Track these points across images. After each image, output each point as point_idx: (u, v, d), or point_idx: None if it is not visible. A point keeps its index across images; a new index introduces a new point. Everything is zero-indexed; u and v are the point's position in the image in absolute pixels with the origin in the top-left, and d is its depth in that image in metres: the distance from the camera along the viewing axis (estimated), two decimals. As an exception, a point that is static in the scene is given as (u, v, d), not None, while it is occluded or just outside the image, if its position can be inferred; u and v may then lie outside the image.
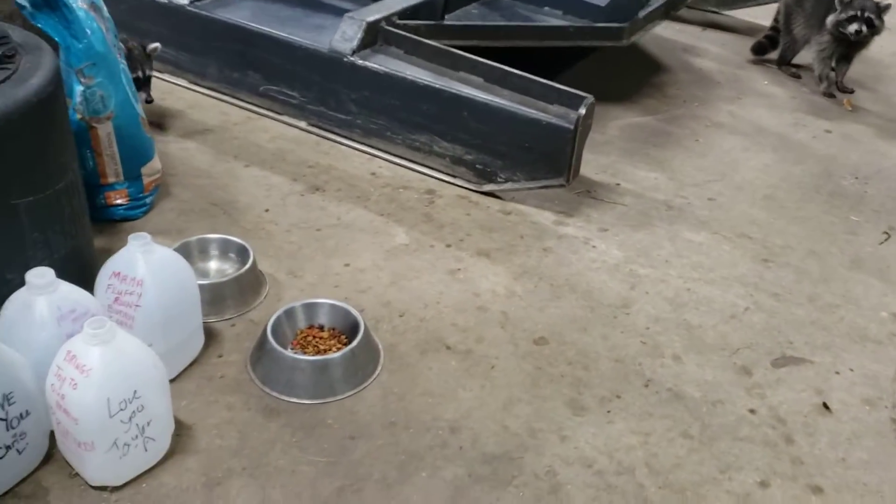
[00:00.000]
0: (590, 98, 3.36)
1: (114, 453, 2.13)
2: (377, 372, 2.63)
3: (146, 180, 3.24)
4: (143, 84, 3.55)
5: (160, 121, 3.89)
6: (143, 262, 2.42)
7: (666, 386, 2.66)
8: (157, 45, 3.66)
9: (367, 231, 3.31)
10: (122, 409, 2.09)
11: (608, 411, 2.55)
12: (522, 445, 2.42)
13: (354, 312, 2.71)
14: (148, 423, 2.18)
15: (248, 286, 2.90)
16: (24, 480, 2.20)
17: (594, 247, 3.30)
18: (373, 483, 2.27)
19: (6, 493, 2.16)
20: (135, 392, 2.11)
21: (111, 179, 3.12)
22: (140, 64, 3.53)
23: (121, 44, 3.03)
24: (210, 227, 3.19)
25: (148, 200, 3.28)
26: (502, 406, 2.54)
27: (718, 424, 2.53)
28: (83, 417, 2.06)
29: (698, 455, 2.42)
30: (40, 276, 2.22)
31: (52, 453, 2.27)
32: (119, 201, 3.17)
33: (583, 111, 3.33)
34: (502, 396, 2.58)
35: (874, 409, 2.61)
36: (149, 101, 3.59)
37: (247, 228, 3.25)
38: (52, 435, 2.24)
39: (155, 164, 3.28)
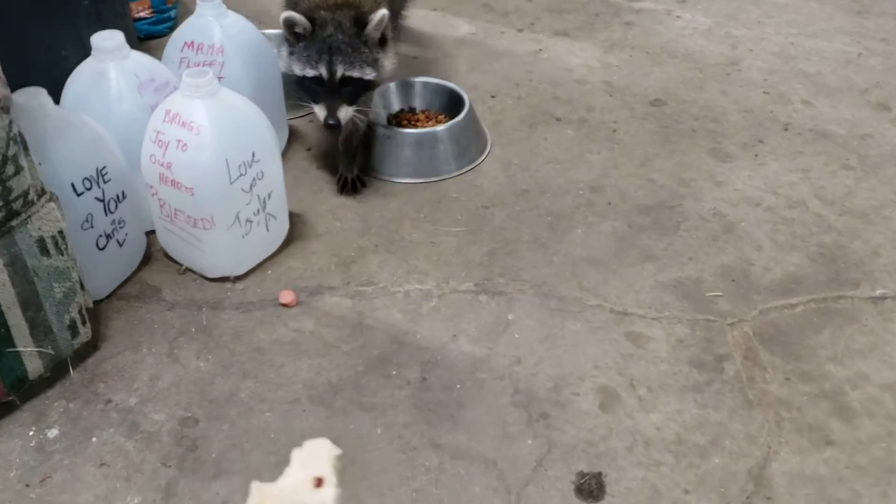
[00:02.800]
0: None
1: (236, 231, 1.80)
2: (488, 148, 2.32)
3: (168, -9, 2.82)
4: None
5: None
6: (218, 26, 2.04)
7: (807, 127, 2.40)
8: None
9: (426, 23, 2.95)
10: (241, 175, 1.75)
11: (755, 155, 2.29)
12: (676, 195, 2.15)
13: (452, 86, 2.38)
14: (269, 196, 1.84)
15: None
16: (127, 281, 1.86)
17: (678, 17, 3.00)
18: (525, 244, 1.98)
19: (111, 294, 1.82)
20: (253, 154, 1.76)
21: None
22: None
23: None
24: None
25: (171, 14, 2.86)
26: (640, 164, 2.26)
27: (876, 154, 2.29)
28: (200, 184, 1.71)
29: (867, 182, 2.18)
30: (109, 39, 1.83)
31: (149, 253, 1.94)
32: (142, 14, 2.75)
33: None
34: (636, 155, 2.29)
35: None
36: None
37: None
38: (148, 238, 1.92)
39: (176, -28, 2.86)
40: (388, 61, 2.05)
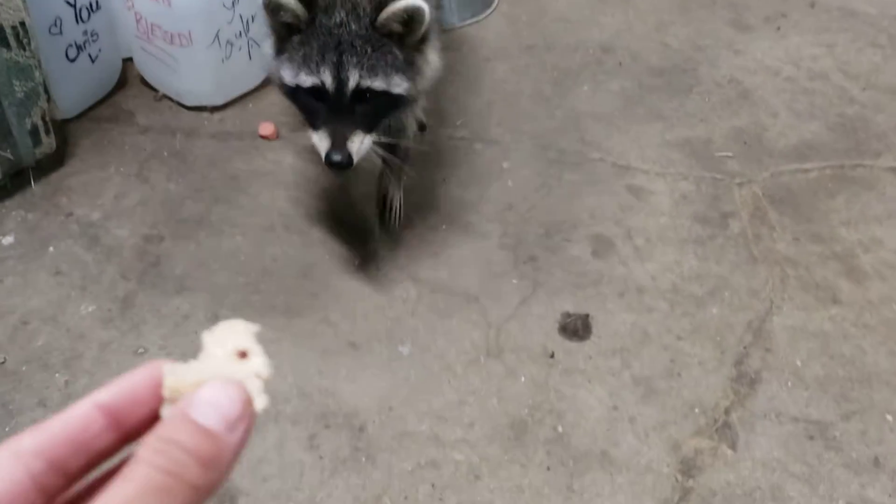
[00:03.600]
0: None
1: (215, 53, 1.67)
2: (495, 3, 2.17)
3: None
4: None
5: None
6: None
7: (834, 5, 2.24)
8: None
9: None
10: (223, -11, 1.63)
11: (777, 28, 2.14)
12: (691, 59, 2.01)
13: (461, -65, 2.22)
14: (252, 18, 1.71)
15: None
16: (100, 103, 1.75)
17: None
18: (526, 97, 1.86)
19: (82, 114, 1.70)
20: (237, -32, 1.64)
21: None
22: None
23: None
24: None
25: None
26: (655, 28, 2.12)
27: (908, 34, 2.15)
28: (178, -7, 1.59)
29: (895, 62, 2.05)
30: None
31: (125, 79, 1.81)
32: None
33: None
34: (651, 20, 2.15)
35: None
36: None
37: None
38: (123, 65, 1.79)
39: None
40: (429, 65, 1.38)
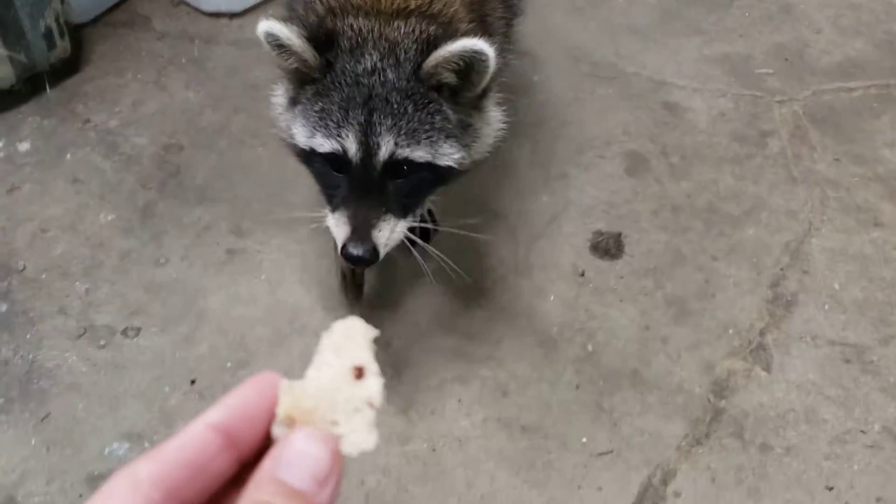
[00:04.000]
0: None
1: (235, -44, 1.61)
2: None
3: None
4: None
5: None
6: None
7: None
8: None
9: None
10: None
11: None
12: (732, -29, 1.92)
13: None
14: (273, -81, 1.64)
15: None
16: (115, 8, 1.68)
17: None
18: (559, 9, 1.77)
19: (97, 19, 1.64)
20: None
21: None
22: None
23: None
24: None
25: None
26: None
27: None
28: None
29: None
30: None
31: (141, -20, 1.75)
32: None
33: None
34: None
35: None
36: None
37: None
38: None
39: None
40: (490, 126, 1.08)
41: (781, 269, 1.31)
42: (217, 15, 1.68)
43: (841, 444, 1.11)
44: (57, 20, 1.46)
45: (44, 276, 1.23)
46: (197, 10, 1.69)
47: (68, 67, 1.52)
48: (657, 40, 1.72)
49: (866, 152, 1.51)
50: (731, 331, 1.23)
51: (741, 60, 1.68)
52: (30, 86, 1.47)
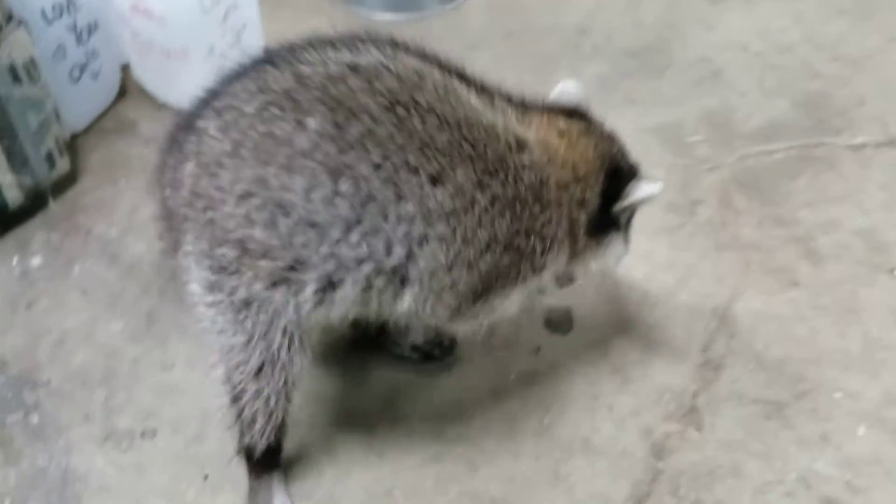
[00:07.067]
0: None
1: (210, 63, 1.75)
2: (474, -16, 2.24)
3: None
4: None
5: None
6: None
7: (804, -28, 2.33)
8: None
9: None
10: (215, 5, 1.70)
11: (749, -1, 2.23)
12: (664, 38, 2.10)
13: (438, -84, 2.26)
14: (243, 29, 1.79)
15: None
16: (103, 115, 1.84)
17: None
18: (510, 86, 1.96)
19: (88, 128, 1.81)
20: (226, -17, 1.71)
21: None
22: None
23: None
24: None
25: None
26: (628, 4, 2.19)
27: None
28: (172, 14, 1.66)
29: (861, 29, 2.12)
30: None
31: (125, 87, 1.91)
32: None
33: None
34: (624, -4, 2.23)
35: None
36: None
37: None
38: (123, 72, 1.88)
39: None
40: None
41: (710, 334, 1.51)
42: (198, 115, 1.84)
43: (762, 494, 1.31)
44: (56, 142, 1.62)
45: (67, 386, 1.40)
46: (178, 109, 1.85)
47: (67, 179, 1.69)
48: (597, 113, 1.90)
49: (785, 214, 1.71)
50: (667, 396, 1.42)
51: (673, 129, 1.87)
52: (35, 201, 1.64)
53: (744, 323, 1.52)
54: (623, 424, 1.38)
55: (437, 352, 1.46)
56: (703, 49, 2.07)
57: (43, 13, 1.61)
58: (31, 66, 1.52)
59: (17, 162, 1.55)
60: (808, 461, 1.34)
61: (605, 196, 1.25)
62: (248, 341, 1.12)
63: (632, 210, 1.32)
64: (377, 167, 1.05)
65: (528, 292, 1.25)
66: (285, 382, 1.15)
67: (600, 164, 1.27)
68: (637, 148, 1.57)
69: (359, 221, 1.05)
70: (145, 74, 1.84)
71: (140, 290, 1.53)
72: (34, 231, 1.62)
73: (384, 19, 2.13)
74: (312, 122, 1.04)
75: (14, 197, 1.58)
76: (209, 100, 1.15)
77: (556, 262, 1.24)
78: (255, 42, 1.84)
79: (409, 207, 1.06)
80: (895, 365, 1.46)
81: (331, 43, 1.12)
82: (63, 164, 1.65)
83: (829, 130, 1.87)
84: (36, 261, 1.57)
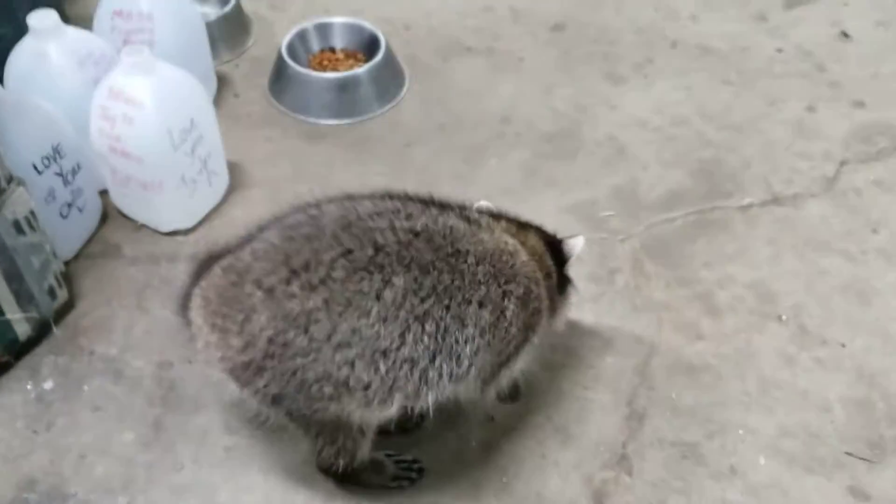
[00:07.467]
0: None
1: (183, 191, 2.01)
2: (406, 84, 2.52)
3: (81, -65, 2.85)
4: None
5: None
6: (144, -7, 2.17)
7: (692, 44, 2.66)
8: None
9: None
10: (183, 141, 1.94)
11: (645, 76, 2.55)
12: (576, 121, 2.41)
13: (371, 27, 2.54)
14: (209, 156, 2.04)
15: (237, 25, 2.67)
16: (89, 241, 2.07)
17: (577, -67, 3.16)
18: (446, 179, 2.23)
19: (77, 255, 2.03)
20: (192, 121, 1.95)
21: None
22: None
23: None
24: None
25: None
26: (543, 92, 2.50)
27: (753, 68, 2.57)
28: (148, 154, 1.91)
29: (743, 97, 2.47)
30: (45, 19, 1.96)
31: (105, 212, 2.13)
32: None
33: None
34: (540, 84, 2.53)
35: (888, 29, 2.70)
36: None
37: (206, -26, 2.94)
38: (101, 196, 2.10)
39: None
40: None
41: (634, 389, 1.80)
42: (174, 233, 2.08)
43: (685, 524, 1.60)
44: (55, 276, 1.84)
45: (93, 497, 1.62)
46: (156, 231, 2.08)
47: (66, 306, 1.90)
48: (523, 197, 2.18)
49: (688, 274, 2.01)
50: (602, 447, 1.70)
51: (588, 206, 2.17)
52: (41, 331, 1.85)
53: (660, 376, 1.81)
54: (568, 477, 1.66)
55: (410, 425, 1.71)
56: (608, 128, 2.38)
57: (34, 166, 1.83)
58: (32, 217, 1.74)
59: (25, 300, 1.77)
60: (721, 492, 1.63)
61: (556, 263, 1.64)
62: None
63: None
64: (447, 307, 1.38)
65: (530, 354, 1.61)
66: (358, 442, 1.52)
67: (544, 243, 1.65)
68: (560, 226, 1.85)
69: (440, 350, 1.38)
70: (124, 202, 2.07)
71: (145, 402, 1.76)
72: (42, 357, 1.83)
73: (328, 123, 2.39)
74: (398, 280, 1.35)
75: (23, 330, 1.80)
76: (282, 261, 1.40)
77: (545, 323, 1.61)
78: (218, 166, 2.09)
79: (470, 331, 1.40)
80: (787, 401, 1.77)
81: (392, 211, 1.44)
82: (63, 294, 1.87)
83: (720, 195, 2.19)
84: (48, 384, 1.78)
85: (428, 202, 1.51)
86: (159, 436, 1.71)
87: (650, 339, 1.88)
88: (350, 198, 1.51)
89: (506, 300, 1.46)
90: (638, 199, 2.18)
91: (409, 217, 1.44)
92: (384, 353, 1.35)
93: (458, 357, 1.40)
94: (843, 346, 1.85)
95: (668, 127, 2.38)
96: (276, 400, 1.41)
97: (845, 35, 2.66)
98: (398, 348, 1.35)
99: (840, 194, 2.18)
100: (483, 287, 1.42)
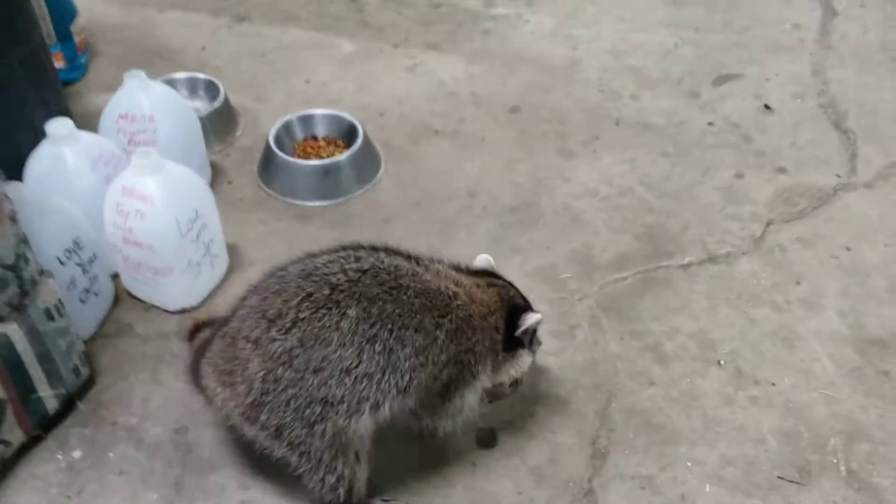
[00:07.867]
0: None
1: (189, 273, 2.25)
2: (382, 166, 2.80)
3: (76, 39, 3.12)
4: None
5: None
6: (146, 98, 2.44)
7: (634, 120, 2.98)
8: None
9: (312, 47, 3.36)
10: (189, 230, 2.20)
11: (594, 150, 2.86)
12: (535, 193, 2.70)
13: (349, 117, 2.83)
14: (211, 241, 2.30)
15: (226, 118, 2.95)
16: (104, 322, 2.29)
17: (528, 21, 3.50)
18: (423, 248, 2.47)
19: (95, 335, 2.25)
20: (196, 211, 2.21)
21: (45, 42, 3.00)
22: None
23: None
24: (154, 74, 3.14)
25: (82, 61, 3.18)
26: (504, 168, 2.80)
27: (687, 140, 2.89)
28: (158, 243, 2.15)
29: (680, 166, 2.79)
30: (62, 127, 2.22)
31: (118, 294, 2.36)
32: (58, 65, 3.05)
33: None
34: (501, 160, 2.83)
35: (804, 101, 3.05)
36: None
37: (191, 68, 3.22)
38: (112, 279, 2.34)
39: (81, 21, 3.16)
40: None
41: (596, 431, 2.05)
42: (181, 311, 2.31)
43: (644, 546, 1.85)
44: (79, 356, 2.06)
45: (124, 552, 1.83)
46: (165, 310, 2.32)
47: (88, 382, 2.12)
48: (495, 263, 2.46)
49: (639, 328, 2.29)
50: (571, 483, 1.95)
51: (549, 270, 2.45)
52: (67, 406, 2.06)
53: (619, 419, 2.08)
54: (543, 512, 1.91)
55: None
56: (564, 199, 2.67)
57: (58, 259, 2.07)
58: (60, 304, 1.97)
59: (54, 379, 1.99)
60: (674, 517, 1.89)
61: (509, 324, 1.89)
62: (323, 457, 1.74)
63: (531, 332, 1.93)
64: (391, 331, 1.68)
65: (475, 398, 1.86)
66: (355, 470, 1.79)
67: (503, 303, 1.90)
68: (525, 288, 2.12)
69: (388, 366, 1.68)
70: (135, 285, 2.31)
71: (165, 465, 1.97)
72: (70, 429, 2.04)
73: (315, 205, 2.66)
74: (351, 312, 1.66)
75: (52, 406, 2.01)
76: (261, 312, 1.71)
77: (485, 371, 1.86)
78: (219, 248, 2.35)
79: (408, 350, 1.70)
80: (727, 435, 2.03)
81: (343, 257, 1.75)
82: (85, 372, 2.09)
83: (663, 255, 2.49)
84: (77, 454, 1.99)
85: (377, 248, 1.83)
86: (180, 494, 1.93)
87: (608, 386, 2.15)
88: (310, 255, 1.83)
89: (437, 330, 1.74)
90: (592, 261, 2.47)
91: (357, 259, 1.76)
92: (348, 371, 1.66)
93: (402, 372, 1.70)
94: (773, 384, 2.13)
95: (615, 196, 2.68)
96: (279, 431, 1.70)
97: (767, 107, 3.01)
98: (356, 366, 1.66)
99: (767, 251, 2.49)
100: (418, 315, 1.72)
